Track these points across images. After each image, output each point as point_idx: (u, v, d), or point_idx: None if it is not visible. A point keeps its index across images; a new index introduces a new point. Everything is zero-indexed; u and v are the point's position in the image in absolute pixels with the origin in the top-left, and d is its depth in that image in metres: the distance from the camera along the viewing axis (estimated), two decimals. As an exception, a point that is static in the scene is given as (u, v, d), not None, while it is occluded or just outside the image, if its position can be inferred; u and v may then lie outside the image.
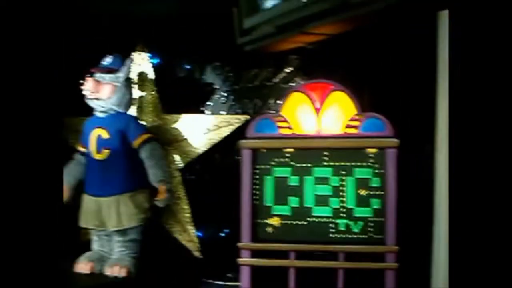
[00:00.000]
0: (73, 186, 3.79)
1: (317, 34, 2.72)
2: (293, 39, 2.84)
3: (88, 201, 3.69)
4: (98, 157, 3.65)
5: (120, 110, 3.75)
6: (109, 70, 3.72)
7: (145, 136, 3.69)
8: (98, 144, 3.65)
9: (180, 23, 3.92)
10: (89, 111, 3.81)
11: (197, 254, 3.97)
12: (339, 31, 2.72)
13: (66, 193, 3.74)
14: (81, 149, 3.82)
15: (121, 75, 3.73)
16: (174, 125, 4.00)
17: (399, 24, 3.17)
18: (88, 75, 3.69)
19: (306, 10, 2.46)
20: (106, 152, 3.63)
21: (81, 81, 3.67)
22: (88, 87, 3.65)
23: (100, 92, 3.67)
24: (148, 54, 4.15)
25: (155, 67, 4.17)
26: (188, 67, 4.23)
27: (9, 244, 3.74)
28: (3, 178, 3.14)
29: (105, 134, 3.65)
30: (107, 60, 3.75)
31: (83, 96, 3.74)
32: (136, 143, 3.66)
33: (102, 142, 3.65)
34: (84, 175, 3.81)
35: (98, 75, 3.70)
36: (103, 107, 3.70)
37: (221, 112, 4.04)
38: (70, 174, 3.80)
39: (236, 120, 3.89)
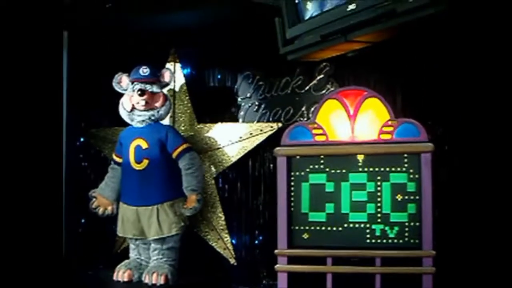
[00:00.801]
0: (116, 198, 3.86)
1: (361, 42, 2.75)
2: (336, 47, 2.86)
3: (126, 211, 3.74)
4: (137, 167, 3.69)
5: (165, 119, 3.84)
6: (153, 80, 3.76)
7: (184, 146, 3.74)
8: (138, 154, 3.69)
9: (212, 33, 3.97)
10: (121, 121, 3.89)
11: (232, 261, 4.01)
12: (383, 39, 2.74)
13: (110, 207, 3.84)
14: (117, 159, 3.88)
15: (169, 84, 3.84)
16: (207, 134, 4.07)
17: (431, 30, 3.19)
18: (137, 86, 3.71)
19: (352, 19, 2.49)
20: (145, 162, 3.68)
21: (139, 92, 3.68)
22: (144, 98, 3.68)
23: (153, 103, 3.74)
24: (180, 65, 4.22)
25: (188, 77, 4.23)
26: (220, 76, 4.27)
27: (47, 252, 3.83)
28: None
29: (144, 144, 3.70)
30: (146, 71, 3.76)
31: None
32: (175, 153, 3.71)
33: (141, 152, 3.69)
34: (118, 186, 3.87)
35: (146, 86, 3.72)
36: (154, 116, 3.74)
37: (253, 120, 4.07)
38: (110, 189, 3.88)
39: (269, 128, 3.94)
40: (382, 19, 2.39)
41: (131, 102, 3.74)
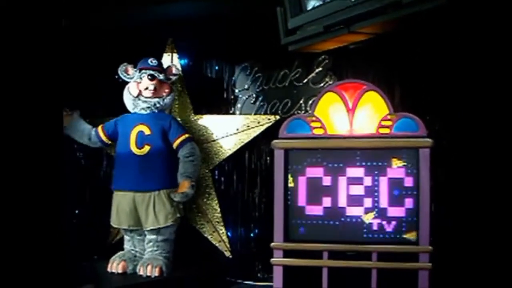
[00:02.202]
0: (74, 121, 3.92)
1: (364, 34, 2.72)
2: (339, 38, 2.83)
3: (122, 199, 3.71)
4: (138, 152, 3.69)
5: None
6: (160, 70, 3.80)
7: (186, 135, 3.76)
8: (140, 139, 3.69)
9: (210, 24, 3.93)
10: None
11: (227, 254, 3.99)
12: (387, 31, 2.71)
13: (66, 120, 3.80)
14: (102, 136, 3.89)
15: (176, 74, 3.87)
16: (204, 126, 4.04)
17: (432, 23, 3.16)
18: (146, 74, 3.73)
19: (356, 9, 2.46)
20: (147, 148, 3.68)
21: (149, 77, 3.70)
22: (154, 82, 3.71)
23: (161, 91, 3.77)
24: (177, 55, 4.18)
25: (185, 68, 4.20)
26: (218, 68, 4.24)
27: (41, 244, 3.79)
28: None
29: (147, 131, 3.71)
30: (155, 61, 3.81)
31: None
32: (176, 142, 3.72)
33: (144, 138, 3.70)
34: (78, 137, 3.94)
35: (156, 74, 3.74)
36: (159, 103, 3.76)
37: (251, 112, 4.05)
38: (80, 124, 3.94)
39: (266, 120, 3.93)
40: (387, 10, 2.36)
41: (138, 88, 3.76)
